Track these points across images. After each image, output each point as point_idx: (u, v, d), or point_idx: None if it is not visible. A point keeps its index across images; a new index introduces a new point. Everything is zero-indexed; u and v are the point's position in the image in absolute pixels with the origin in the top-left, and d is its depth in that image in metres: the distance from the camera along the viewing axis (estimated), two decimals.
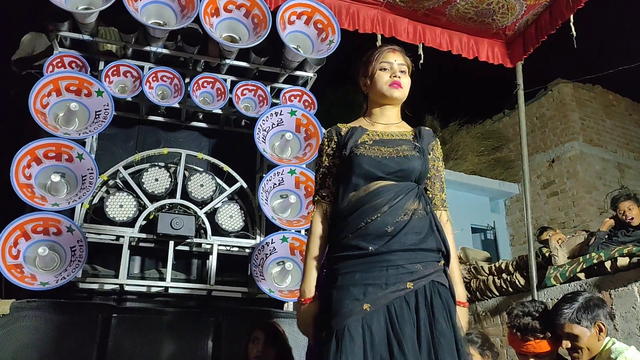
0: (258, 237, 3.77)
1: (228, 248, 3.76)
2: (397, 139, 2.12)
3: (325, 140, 2.23)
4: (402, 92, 2.17)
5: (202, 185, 3.71)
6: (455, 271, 2.10)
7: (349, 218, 2.02)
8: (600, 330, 2.44)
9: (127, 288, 3.43)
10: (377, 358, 1.80)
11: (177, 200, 3.64)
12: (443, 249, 2.03)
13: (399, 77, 2.14)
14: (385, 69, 2.16)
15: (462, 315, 2.03)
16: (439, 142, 2.24)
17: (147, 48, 3.82)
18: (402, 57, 2.19)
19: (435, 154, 2.20)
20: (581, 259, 5.01)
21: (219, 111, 3.97)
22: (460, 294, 2.07)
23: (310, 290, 2.06)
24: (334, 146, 2.19)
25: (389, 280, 1.90)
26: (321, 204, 2.18)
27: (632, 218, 4.96)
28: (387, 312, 1.86)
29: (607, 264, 4.65)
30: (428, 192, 2.16)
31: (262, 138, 3.80)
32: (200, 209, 3.67)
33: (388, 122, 2.20)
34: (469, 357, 1.89)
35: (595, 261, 4.78)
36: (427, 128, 2.23)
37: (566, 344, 2.50)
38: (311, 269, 2.09)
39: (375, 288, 1.89)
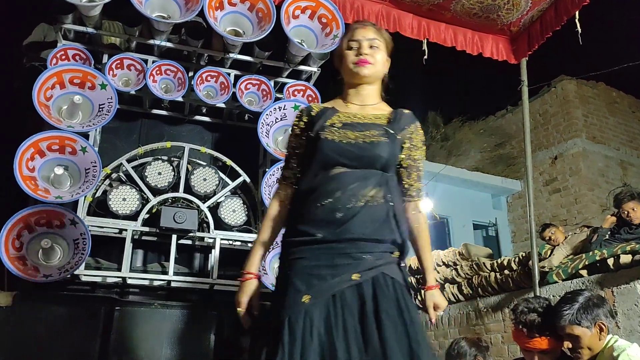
0: None
1: (231, 242, 3.76)
2: (368, 123, 2.01)
3: (296, 119, 2.15)
4: (372, 69, 2.05)
5: (205, 179, 3.71)
6: (426, 257, 2.07)
7: (303, 202, 1.95)
8: (601, 329, 2.44)
9: (129, 281, 3.43)
10: (316, 351, 1.72)
11: (180, 194, 3.64)
12: (399, 240, 1.92)
13: (366, 53, 2.03)
14: (352, 48, 2.06)
15: (431, 297, 2.06)
16: (419, 127, 2.09)
17: (151, 41, 3.81)
18: (373, 32, 2.08)
19: (413, 142, 2.05)
20: (583, 255, 5.01)
21: (223, 105, 3.96)
22: (429, 279, 2.08)
23: (250, 268, 2.01)
24: (303, 126, 2.11)
25: (334, 271, 1.82)
26: (282, 186, 2.13)
27: (636, 219, 4.95)
28: (331, 304, 1.78)
29: (610, 261, 4.65)
30: (404, 182, 2.04)
31: (266, 132, 3.80)
32: (203, 203, 3.66)
33: (363, 102, 2.09)
34: (432, 352, 1.85)
35: (597, 258, 4.78)
36: (407, 111, 2.10)
37: (567, 344, 2.50)
38: (256, 250, 2.05)
39: (320, 280, 1.81)
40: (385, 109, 2.10)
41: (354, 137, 1.95)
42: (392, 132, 1.98)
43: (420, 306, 2.05)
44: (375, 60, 2.04)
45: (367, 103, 2.09)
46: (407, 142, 2.03)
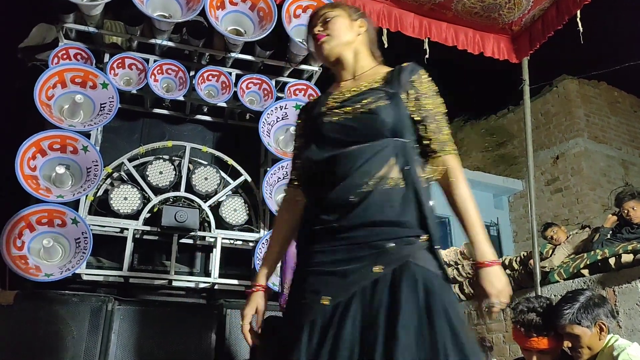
0: (262, 230, 3.77)
1: (232, 241, 3.76)
2: (362, 92, 1.78)
3: (297, 120, 2.03)
4: (330, 41, 1.88)
5: (206, 179, 3.71)
6: (471, 224, 1.69)
7: (314, 190, 1.78)
8: (602, 329, 2.44)
9: (131, 280, 3.44)
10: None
11: (182, 193, 3.64)
12: (425, 220, 1.64)
13: (319, 31, 1.90)
14: (312, 35, 1.94)
15: (485, 277, 1.60)
16: (423, 75, 1.80)
17: (152, 41, 3.81)
18: (322, 10, 1.95)
19: (419, 91, 1.76)
20: (585, 255, 5.00)
21: (224, 104, 3.97)
22: (480, 252, 1.64)
23: (257, 280, 1.89)
24: (301, 124, 1.98)
25: (354, 265, 1.59)
26: (289, 189, 1.96)
27: (636, 218, 4.95)
28: (356, 302, 1.55)
29: (611, 261, 4.65)
30: (422, 138, 1.74)
31: (267, 132, 3.80)
32: (205, 202, 3.67)
33: (355, 73, 1.90)
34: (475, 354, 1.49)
35: (599, 258, 4.78)
36: (406, 63, 1.83)
37: (567, 344, 2.49)
38: (266, 259, 1.93)
39: (339, 277, 1.59)
40: (382, 70, 1.86)
41: (351, 110, 1.74)
42: (392, 91, 1.74)
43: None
44: (330, 30, 1.88)
45: (359, 72, 1.89)
46: (412, 93, 1.75)
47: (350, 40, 1.90)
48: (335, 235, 1.65)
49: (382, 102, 1.71)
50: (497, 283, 1.60)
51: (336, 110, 1.78)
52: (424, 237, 1.62)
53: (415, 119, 1.74)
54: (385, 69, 1.86)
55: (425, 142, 1.74)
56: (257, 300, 1.87)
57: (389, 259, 1.56)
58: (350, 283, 1.57)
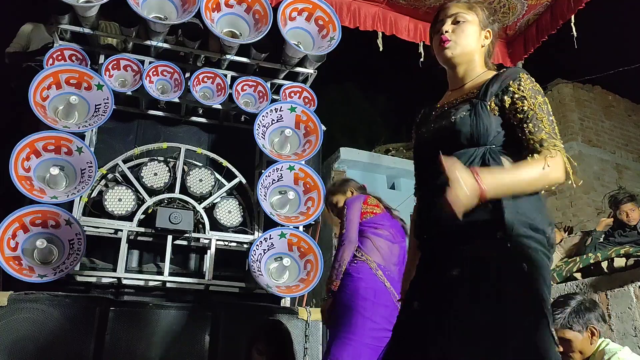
0: (256, 232, 3.77)
1: (226, 243, 3.76)
2: (455, 104, 1.79)
3: (413, 132, 2.00)
4: (454, 49, 1.81)
5: (201, 180, 3.71)
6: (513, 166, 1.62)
7: (417, 206, 1.85)
8: (593, 334, 2.45)
9: (124, 282, 3.44)
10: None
11: (176, 194, 3.64)
12: (501, 216, 1.57)
13: (446, 30, 1.81)
14: (437, 32, 1.85)
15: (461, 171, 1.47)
16: (523, 80, 1.71)
17: (148, 42, 3.81)
18: (457, 7, 1.86)
19: (517, 95, 1.69)
20: (578, 259, 5.02)
21: (219, 106, 3.97)
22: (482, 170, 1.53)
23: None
24: (413, 135, 1.96)
25: (434, 270, 1.67)
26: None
27: (634, 220, 4.96)
28: (435, 305, 1.61)
29: (604, 265, 4.66)
30: (523, 140, 1.68)
31: (262, 134, 3.81)
32: (199, 203, 3.67)
33: (462, 82, 1.85)
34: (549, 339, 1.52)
35: (592, 261, 4.79)
36: (509, 69, 1.77)
37: (558, 348, 2.51)
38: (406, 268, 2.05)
39: (425, 282, 1.70)
40: (485, 77, 1.80)
41: (440, 125, 1.77)
42: (476, 100, 1.72)
43: None
44: (457, 36, 1.81)
45: (467, 81, 1.84)
46: (508, 99, 1.70)
47: (470, 51, 1.84)
48: (425, 245, 1.77)
49: (463, 113, 1.71)
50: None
51: (432, 123, 1.81)
52: (500, 233, 1.57)
53: (514, 123, 1.70)
54: (488, 76, 1.80)
55: (524, 143, 1.68)
56: None
57: (464, 260, 1.58)
58: (433, 287, 1.64)
